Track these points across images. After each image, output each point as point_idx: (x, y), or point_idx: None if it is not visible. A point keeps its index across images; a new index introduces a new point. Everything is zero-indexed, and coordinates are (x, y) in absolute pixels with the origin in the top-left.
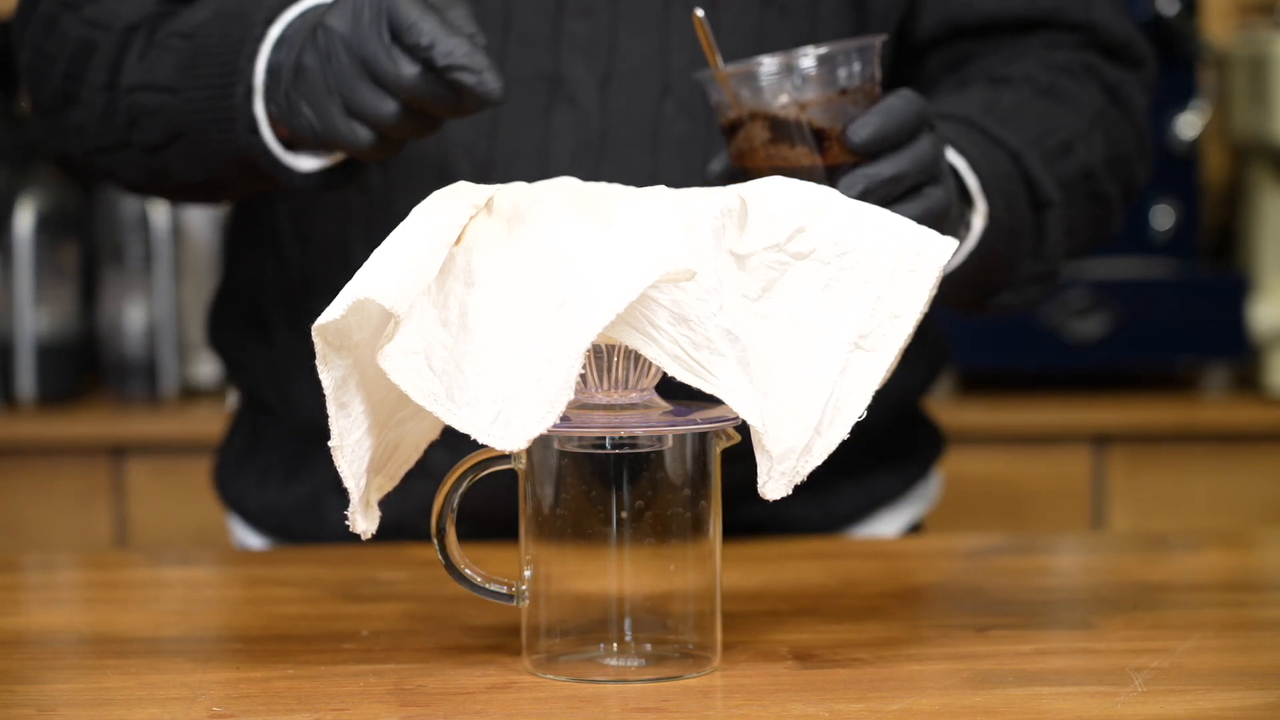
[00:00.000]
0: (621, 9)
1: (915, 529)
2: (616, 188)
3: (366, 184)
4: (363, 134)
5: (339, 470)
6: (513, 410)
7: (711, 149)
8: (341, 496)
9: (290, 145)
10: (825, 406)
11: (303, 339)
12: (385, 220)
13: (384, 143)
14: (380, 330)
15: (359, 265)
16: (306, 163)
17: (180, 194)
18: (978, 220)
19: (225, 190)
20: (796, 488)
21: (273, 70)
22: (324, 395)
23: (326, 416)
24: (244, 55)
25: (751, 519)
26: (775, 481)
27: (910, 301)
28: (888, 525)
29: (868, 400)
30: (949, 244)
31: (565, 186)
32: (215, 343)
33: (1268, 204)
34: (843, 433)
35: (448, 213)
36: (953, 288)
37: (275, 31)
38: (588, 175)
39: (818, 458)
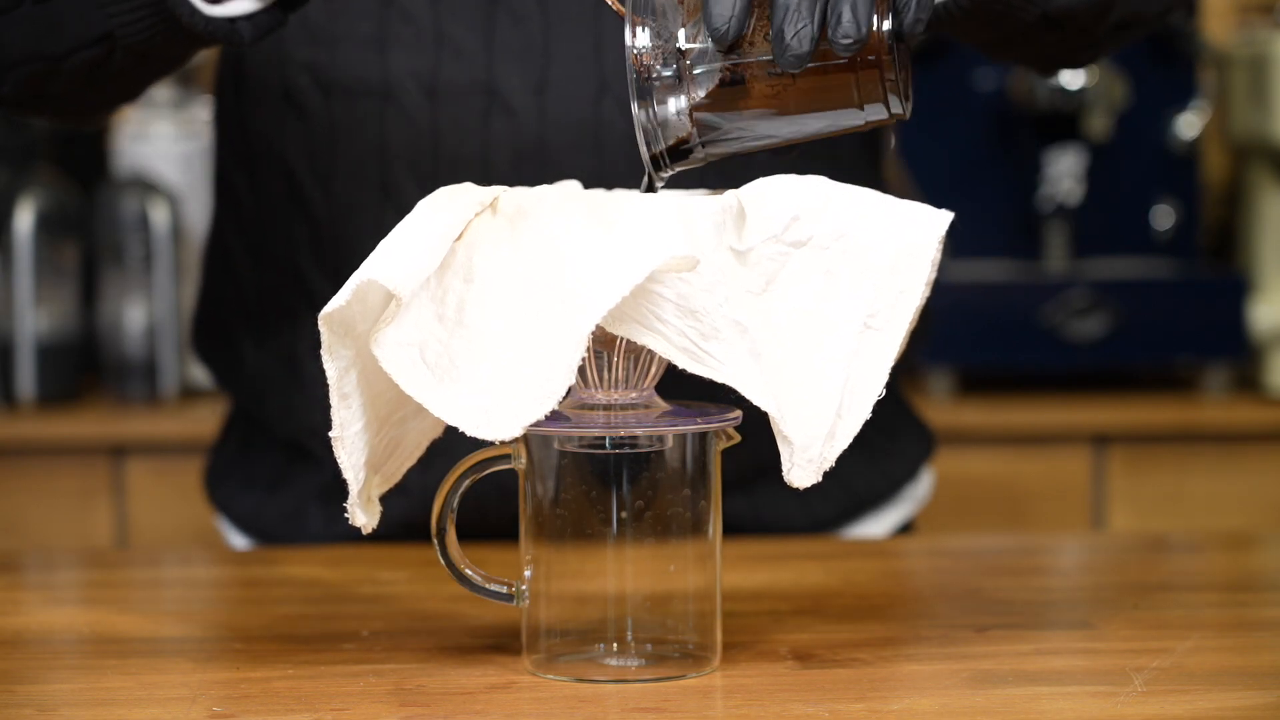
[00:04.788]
0: (552, 13)
1: (905, 530)
2: (618, 191)
3: (310, 209)
4: None
5: (339, 461)
6: (507, 400)
7: None
8: (325, 509)
9: None
10: (843, 390)
11: (271, 357)
12: (333, 241)
13: None
14: None
15: (313, 287)
16: (233, 6)
17: (62, 66)
18: None
19: (113, 66)
20: (775, 473)
21: None
22: (298, 413)
23: (305, 435)
24: None
25: (730, 517)
26: (800, 469)
27: (913, 277)
28: (874, 528)
29: (885, 378)
30: (944, 217)
31: (569, 189)
32: (198, 351)
33: (1268, 204)
34: (865, 413)
35: (452, 208)
36: None
37: None
38: (529, 183)
39: (843, 441)
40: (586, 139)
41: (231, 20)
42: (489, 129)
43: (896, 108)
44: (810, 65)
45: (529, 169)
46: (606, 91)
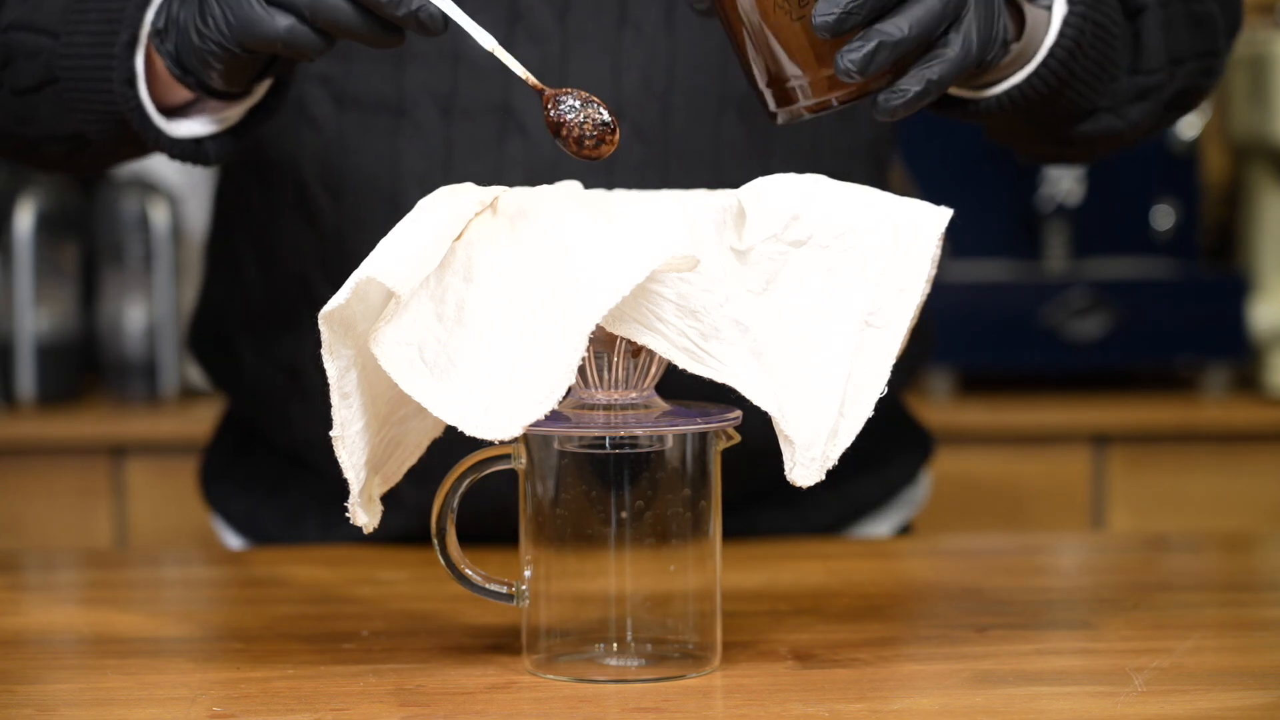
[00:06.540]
0: (572, 33)
1: (903, 532)
2: (618, 191)
3: (319, 220)
4: (281, 21)
5: (339, 460)
6: (507, 399)
7: (669, 172)
8: (322, 515)
9: (206, 91)
10: (845, 388)
11: (272, 366)
12: (340, 254)
13: (305, 34)
14: None
15: (318, 297)
16: (181, 127)
17: (40, 148)
18: (1059, 7)
19: (88, 152)
20: (774, 494)
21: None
22: (297, 424)
23: (302, 445)
24: (134, 2)
25: (725, 531)
26: (803, 468)
27: (913, 274)
28: (871, 531)
29: (886, 376)
30: (943, 214)
31: (569, 189)
32: (196, 354)
33: (1268, 204)
34: (867, 411)
35: (452, 207)
36: (1042, 101)
37: None
38: None
39: (845, 439)
40: (600, 162)
41: (197, 141)
42: (503, 149)
43: (784, 115)
44: (805, 33)
45: None
46: (622, 116)
